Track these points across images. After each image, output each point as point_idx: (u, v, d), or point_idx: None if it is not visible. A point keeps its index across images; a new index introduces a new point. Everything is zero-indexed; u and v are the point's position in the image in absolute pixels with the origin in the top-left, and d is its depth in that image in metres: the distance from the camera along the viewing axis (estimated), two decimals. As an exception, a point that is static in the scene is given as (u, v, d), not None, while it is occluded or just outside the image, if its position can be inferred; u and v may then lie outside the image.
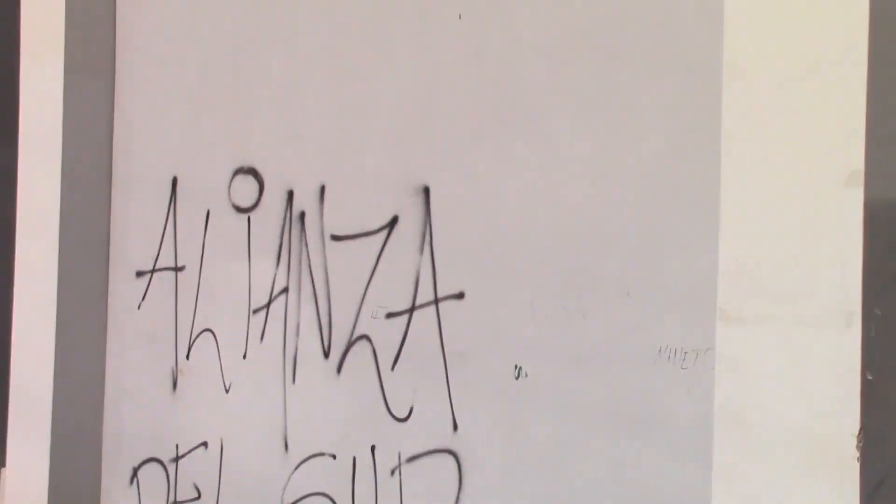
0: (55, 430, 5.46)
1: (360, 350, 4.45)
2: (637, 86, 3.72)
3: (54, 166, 5.48)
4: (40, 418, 5.46)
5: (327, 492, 4.52)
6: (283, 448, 4.72)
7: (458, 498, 4.04)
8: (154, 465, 5.35)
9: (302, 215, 4.74)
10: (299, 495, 4.62)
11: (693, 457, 3.44)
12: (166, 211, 5.39)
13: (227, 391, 5.00)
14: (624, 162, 3.73)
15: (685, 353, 3.49)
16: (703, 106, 3.54)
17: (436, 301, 4.20)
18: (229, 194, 5.08)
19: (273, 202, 4.88)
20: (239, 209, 5.04)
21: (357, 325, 4.47)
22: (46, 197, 5.50)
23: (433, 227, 4.24)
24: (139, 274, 5.50)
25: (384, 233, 4.41)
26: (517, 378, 3.90)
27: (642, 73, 3.70)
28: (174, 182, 5.35)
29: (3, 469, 6.08)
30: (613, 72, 3.78)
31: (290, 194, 4.80)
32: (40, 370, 5.49)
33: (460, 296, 4.11)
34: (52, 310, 5.46)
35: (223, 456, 5.00)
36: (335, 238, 4.61)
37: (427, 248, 4.24)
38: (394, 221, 4.38)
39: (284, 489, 4.69)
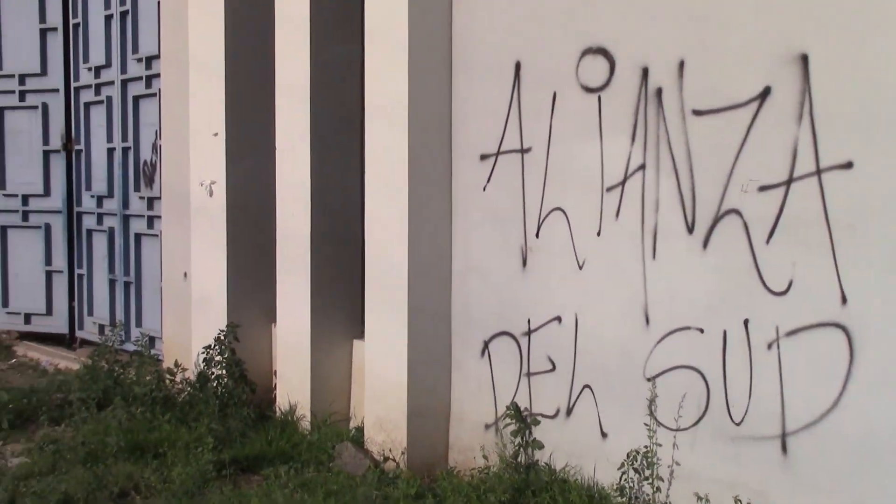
0: (411, 304, 5.75)
1: (729, 224, 4.39)
2: None
3: (401, 54, 5.66)
4: (397, 294, 5.75)
5: (695, 365, 4.54)
6: (643, 322, 4.77)
7: (848, 373, 3.95)
8: (505, 339, 5.56)
9: (658, 92, 4.69)
10: (663, 368, 4.68)
11: None
12: (510, 94, 5.49)
13: (580, 267, 5.10)
14: None
15: None
16: None
17: (818, 172, 4.06)
18: (577, 75, 5.09)
19: (626, 80, 4.85)
20: (588, 89, 5.05)
21: (724, 200, 4.41)
22: (394, 83, 5.69)
23: (812, 95, 4.08)
24: (483, 157, 5.65)
25: (754, 105, 4.29)
26: (919, 249, 3.74)
27: None
28: (517, 66, 5.42)
29: (355, 341, 6.54)
30: None
31: (645, 71, 4.75)
32: (395, 249, 5.75)
33: (848, 165, 3.96)
34: (403, 192, 5.69)
35: (578, 330, 5.12)
36: (697, 113, 4.53)
37: (806, 117, 4.09)
38: (765, 92, 4.24)
39: (646, 362, 4.76)
